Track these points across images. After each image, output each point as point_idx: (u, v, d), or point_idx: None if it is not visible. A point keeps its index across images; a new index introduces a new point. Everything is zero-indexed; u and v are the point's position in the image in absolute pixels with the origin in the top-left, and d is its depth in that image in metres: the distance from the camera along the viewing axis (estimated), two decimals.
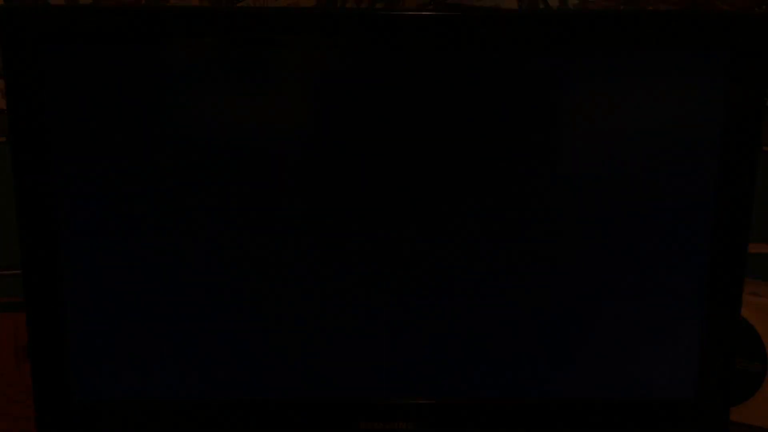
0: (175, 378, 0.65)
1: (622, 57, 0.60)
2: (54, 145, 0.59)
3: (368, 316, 0.65)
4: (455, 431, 0.66)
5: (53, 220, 0.60)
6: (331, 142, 0.61)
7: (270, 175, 0.61)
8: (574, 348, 0.66)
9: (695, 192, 0.62)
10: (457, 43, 0.59)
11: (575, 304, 0.65)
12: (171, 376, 0.65)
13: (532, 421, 0.66)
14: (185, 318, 0.64)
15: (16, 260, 0.61)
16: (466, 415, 0.66)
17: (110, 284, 0.63)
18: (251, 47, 0.59)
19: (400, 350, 0.65)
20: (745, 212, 0.62)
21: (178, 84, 0.60)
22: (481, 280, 0.64)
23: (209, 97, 0.60)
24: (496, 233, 0.63)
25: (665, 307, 0.65)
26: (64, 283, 0.62)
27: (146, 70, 0.59)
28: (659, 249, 0.63)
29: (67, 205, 0.60)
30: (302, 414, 0.66)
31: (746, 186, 0.61)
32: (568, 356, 0.66)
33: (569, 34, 0.59)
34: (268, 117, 0.61)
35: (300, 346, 0.65)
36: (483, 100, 0.60)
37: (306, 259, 0.63)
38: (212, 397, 0.65)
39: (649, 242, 0.63)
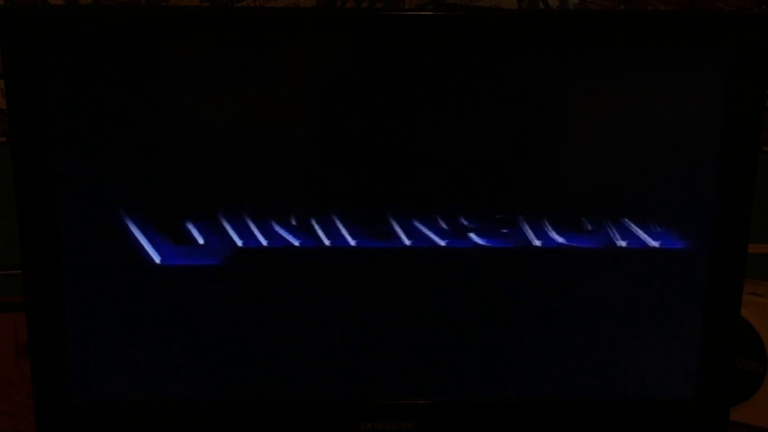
0: (175, 378, 0.65)
1: (622, 57, 0.60)
2: (54, 145, 0.59)
3: (369, 315, 0.65)
4: (455, 431, 0.66)
5: (53, 220, 0.60)
6: (329, 142, 0.61)
7: (270, 176, 0.61)
8: (574, 348, 0.66)
9: (695, 192, 0.62)
10: (457, 43, 0.59)
11: (575, 304, 0.65)
12: (171, 375, 0.65)
13: (532, 421, 0.66)
14: (185, 318, 0.64)
15: (16, 260, 0.61)
16: (466, 415, 0.66)
17: (110, 284, 0.63)
18: (251, 47, 0.59)
19: (400, 350, 0.65)
20: (745, 212, 0.62)
21: (179, 84, 0.60)
22: (480, 280, 0.64)
23: (209, 98, 0.60)
24: (496, 234, 0.63)
25: (665, 308, 0.65)
26: (64, 283, 0.62)
27: (146, 70, 0.59)
28: (659, 249, 0.63)
29: (67, 204, 0.60)
30: (302, 414, 0.66)
31: (746, 186, 0.61)
32: (569, 356, 0.66)
33: (569, 34, 0.59)
34: (268, 117, 0.61)
35: (300, 345, 0.65)
36: (483, 100, 0.60)
37: (305, 258, 0.63)
38: (212, 397, 0.65)
39: (648, 242, 0.63)
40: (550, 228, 0.63)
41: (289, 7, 0.86)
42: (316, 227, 0.62)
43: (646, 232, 0.63)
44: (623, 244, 0.63)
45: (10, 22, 0.57)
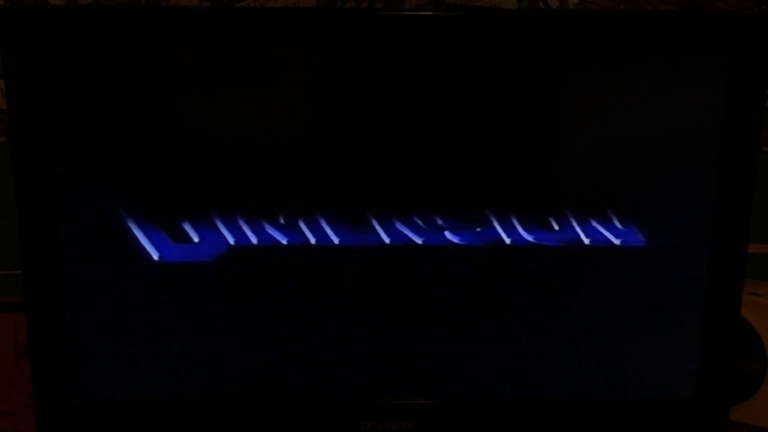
0: (175, 378, 0.65)
1: (622, 57, 0.60)
2: (54, 145, 0.59)
3: (369, 315, 0.65)
4: (455, 431, 0.66)
5: (53, 220, 0.60)
6: (328, 143, 0.61)
7: (264, 175, 0.61)
8: (575, 348, 0.66)
9: (695, 192, 0.62)
10: (457, 43, 0.59)
11: (575, 304, 0.65)
12: (170, 375, 0.65)
13: (532, 421, 0.66)
14: (185, 318, 0.64)
15: (16, 260, 0.61)
16: (467, 415, 0.66)
17: (109, 283, 0.63)
18: (251, 47, 0.59)
19: (400, 350, 0.65)
20: (745, 212, 0.62)
21: (179, 84, 0.60)
22: (479, 280, 0.64)
23: (209, 98, 0.60)
24: (494, 237, 0.63)
25: (665, 308, 0.65)
26: (64, 283, 0.62)
27: (146, 70, 0.59)
28: (659, 249, 0.63)
29: (66, 204, 0.60)
30: (302, 414, 0.66)
31: (746, 186, 0.61)
32: (569, 356, 0.66)
33: (569, 34, 0.59)
34: (267, 118, 0.61)
35: (300, 345, 0.65)
36: (483, 100, 0.60)
37: (306, 259, 0.63)
38: (212, 397, 0.65)
39: (648, 242, 0.63)
40: (549, 227, 0.63)
41: (289, 7, 0.86)
42: (326, 228, 0.62)
43: (646, 232, 0.63)
44: (624, 242, 0.63)
45: (10, 22, 0.57)
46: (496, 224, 0.62)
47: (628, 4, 0.87)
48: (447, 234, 0.62)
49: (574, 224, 0.63)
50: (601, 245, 0.63)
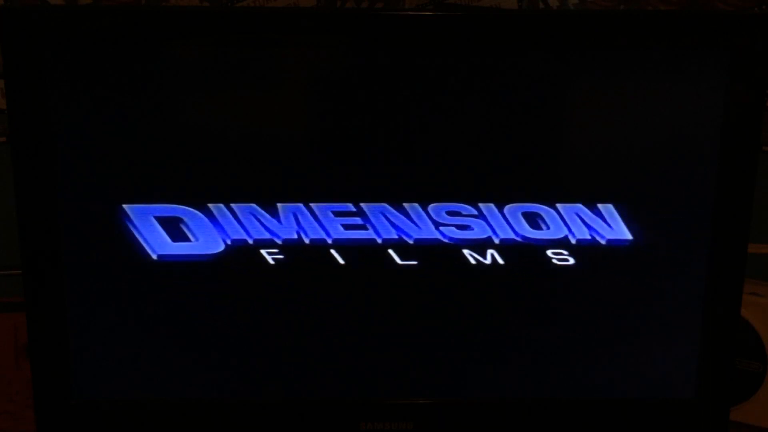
0: (175, 378, 0.65)
1: (622, 57, 0.60)
2: (53, 145, 0.59)
3: (369, 316, 0.65)
4: (455, 431, 0.66)
5: (53, 220, 0.60)
6: (328, 142, 0.61)
7: (267, 175, 0.61)
8: (574, 348, 0.66)
9: (695, 192, 0.62)
10: (457, 43, 0.59)
11: (575, 304, 0.65)
12: (171, 375, 0.65)
13: (532, 421, 0.66)
14: (185, 318, 0.64)
15: (16, 260, 0.61)
16: (466, 415, 0.66)
17: (109, 283, 0.63)
18: (251, 47, 0.59)
19: (400, 350, 0.65)
20: (745, 212, 0.62)
21: (179, 84, 0.60)
22: (478, 279, 0.64)
23: (209, 98, 0.60)
24: (492, 236, 0.63)
25: (665, 308, 0.65)
26: (64, 283, 0.62)
27: (146, 70, 0.59)
28: (659, 248, 0.63)
29: (66, 204, 0.60)
30: (303, 414, 0.66)
31: (746, 186, 0.61)
32: (568, 356, 0.66)
33: (569, 34, 0.59)
34: (267, 117, 0.61)
35: (300, 345, 0.65)
36: (482, 100, 0.60)
37: (303, 258, 0.63)
38: (212, 397, 0.65)
39: (648, 242, 0.63)
40: (549, 225, 0.63)
41: (289, 7, 0.86)
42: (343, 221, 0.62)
43: (647, 231, 0.63)
44: (624, 242, 0.63)
45: (10, 22, 0.57)
46: (495, 223, 0.62)
47: (628, 4, 0.87)
48: (441, 231, 0.62)
49: (575, 223, 0.63)
50: (601, 244, 0.63)
